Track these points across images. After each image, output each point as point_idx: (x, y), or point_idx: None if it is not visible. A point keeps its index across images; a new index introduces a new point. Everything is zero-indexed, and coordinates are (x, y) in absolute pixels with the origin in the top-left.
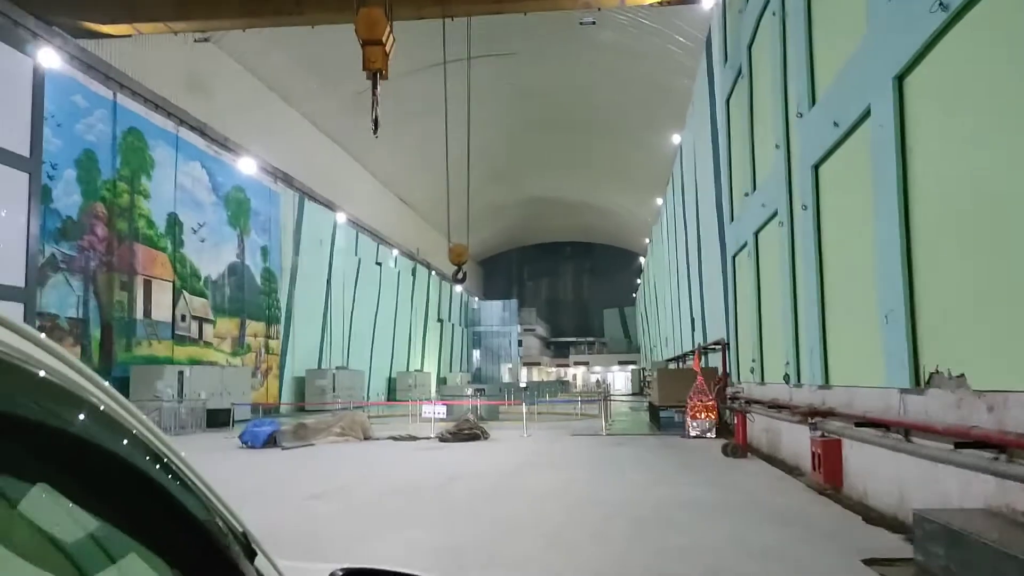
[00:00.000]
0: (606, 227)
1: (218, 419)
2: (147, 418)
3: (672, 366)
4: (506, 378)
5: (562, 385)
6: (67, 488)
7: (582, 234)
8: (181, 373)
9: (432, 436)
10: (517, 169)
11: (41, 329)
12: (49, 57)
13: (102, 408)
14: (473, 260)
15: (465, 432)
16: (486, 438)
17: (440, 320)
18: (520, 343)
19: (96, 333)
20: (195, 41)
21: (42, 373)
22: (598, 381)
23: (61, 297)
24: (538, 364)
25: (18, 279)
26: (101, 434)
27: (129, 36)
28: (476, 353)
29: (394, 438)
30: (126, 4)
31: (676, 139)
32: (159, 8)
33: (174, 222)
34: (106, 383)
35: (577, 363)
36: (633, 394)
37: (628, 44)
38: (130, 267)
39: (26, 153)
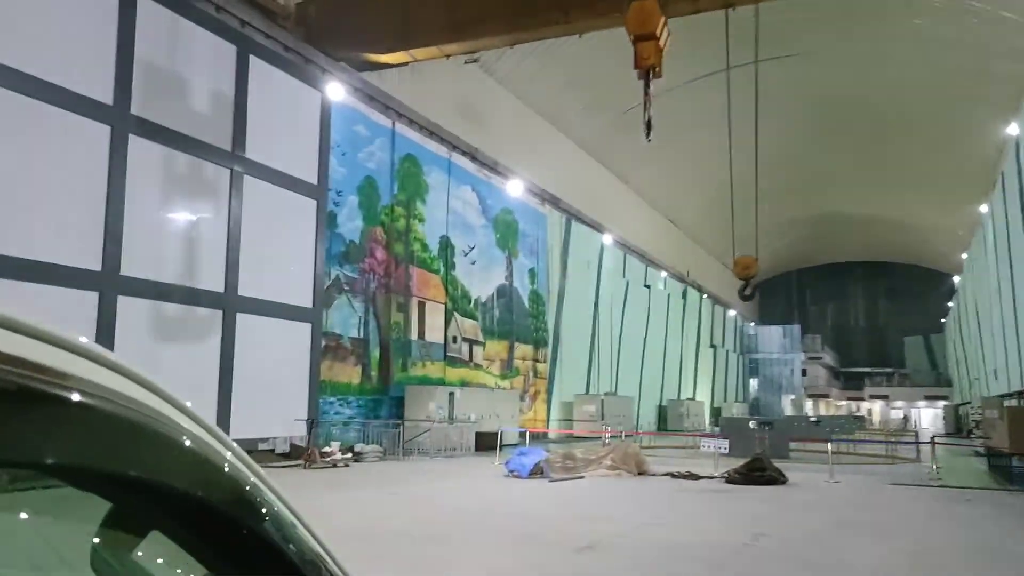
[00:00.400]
0: (906, 244)
1: (486, 442)
2: (265, 475)
3: (1012, 403)
4: (788, 410)
5: (857, 421)
6: (180, 537)
7: (875, 253)
8: (452, 394)
9: (715, 475)
10: (802, 183)
11: (327, 349)
12: (335, 90)
13: (225, 467)
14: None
15: (756, 473)
16: (783, 482)
17: (713, 346)
18: (804, 372)
19: (375, 353)
20: (465, 63)
21: (179, 437)
22: (905, 417)
23: (344, 318)
24: (826, 396)
25: (307, 300)
26: (220, 490)
27: (405, 64)
28: (753, 382)
29: (672, 475)
30: (402, 32)
31: (1012, 130)
32: (432, 33)
33: (446, 245)
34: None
35: (873, 396)
36: (949, 434)
37: (941, 31)
38: (406, 289)
39: (314, 181)
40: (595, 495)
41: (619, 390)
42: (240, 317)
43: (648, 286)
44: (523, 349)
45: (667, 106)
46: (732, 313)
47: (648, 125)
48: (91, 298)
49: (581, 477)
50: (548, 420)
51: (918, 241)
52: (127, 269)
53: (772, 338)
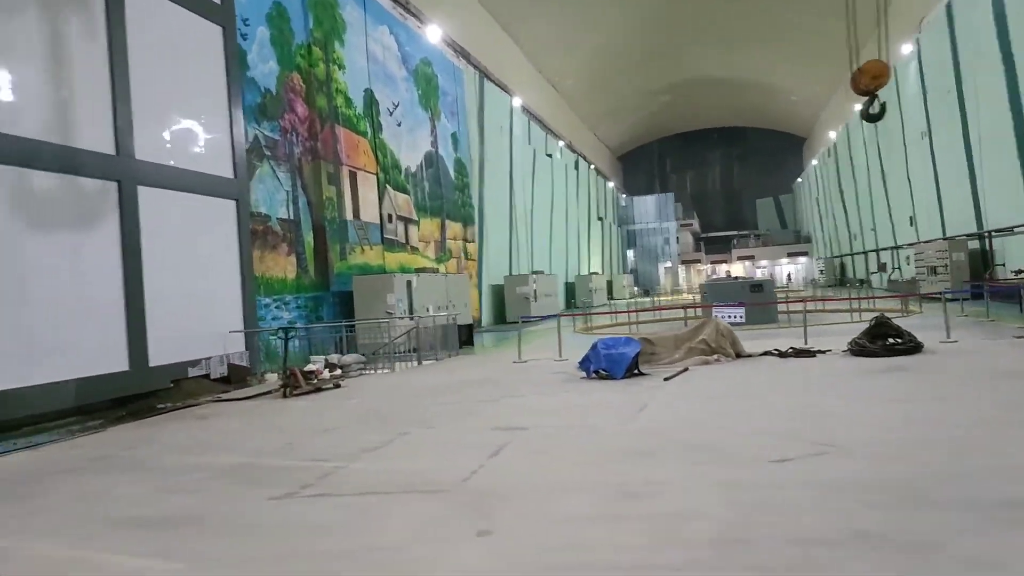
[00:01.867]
0: (762, 108)
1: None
2: None
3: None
4: (663, 279)
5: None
6: None
7: (731, 118)
8: (409, 283)
9: (830, 349)
10: (668, 47)
11: (254, 234)
12: None
13: None
14: (612, 155)
15: (890, 341)
16: (921, 348)
17: (600, 218)
18: (677, 240)
19: (309, 238)
20: None
21: None
22: (789, 275)
23: (269, 193)
24: (696, 262)
25: (226, 168)
26: None
27: None
28: (630, 253)
29: (778, 353)
30: None
31: None
32: None
33: (371, 100)
34: None
35: (741, 257)
36: (831, 285)
37: None
38: (335, 155)
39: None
40: (728, 391)
41: (534, 268)
42: (143, 192)
43: (550, 155)
44: (454, 228)
45: None
46: (611, 185)
47: None
48: None
49: (686, 370)
50: (480, 306)
51: (774, 105)
52: None
53: (647, 208)
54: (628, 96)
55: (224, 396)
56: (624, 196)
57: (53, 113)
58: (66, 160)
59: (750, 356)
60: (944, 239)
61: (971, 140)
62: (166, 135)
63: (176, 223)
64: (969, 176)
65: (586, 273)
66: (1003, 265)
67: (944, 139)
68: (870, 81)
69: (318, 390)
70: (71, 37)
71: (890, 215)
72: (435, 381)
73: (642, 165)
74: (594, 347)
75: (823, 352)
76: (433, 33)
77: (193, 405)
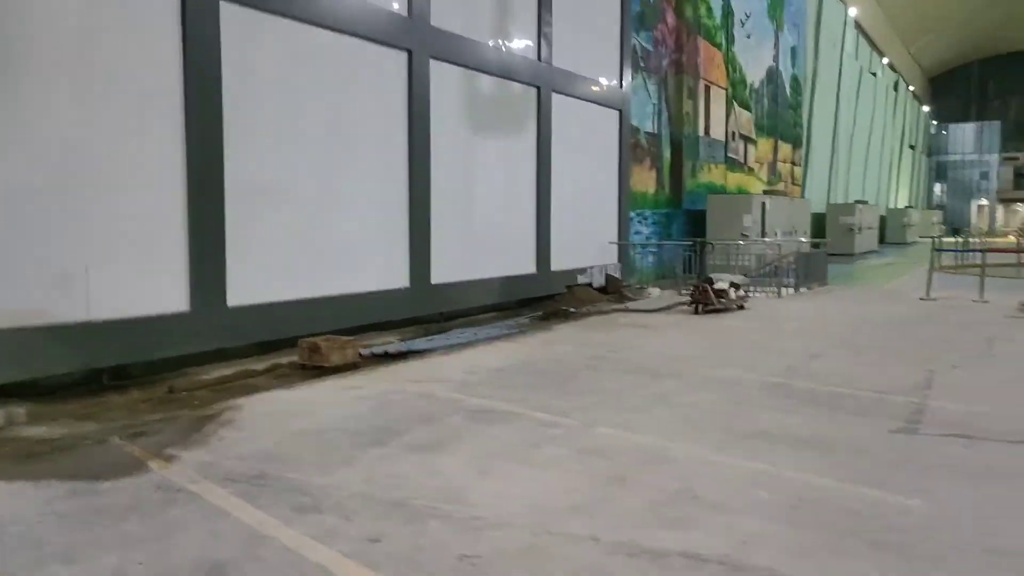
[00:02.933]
0: None
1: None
2: None
3: None
4: (974, 218)
5: None
6: None
7: None
8: (764, 205)
9: None
10: None
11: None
12: None
13: None
14: (924, 76)
15: None
16: None
17: (912, 147)
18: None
19: (667, 154)
20: None
21: None
22: None
23: (640, 105)
24: (1018, 201)
25: (612, 75)
26: None
27: None
28: (936, 187)
29: None
30: None
31: None
32: None
33: (728, 10)
34: None
35: None
36: None
37: None
38: (695, 68)
39: None
40: None
41: (852, 197)
42: (555, 100)
43: (874, 73)
44: (784, 149)
45: None
46: (926, 110)
47: None
48: (401, 59)
49: None
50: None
51: None
52: (437, 19)
53: (966, 138)
54: (954, 7)
55: (632, 307)
56: (935, 123)
57: (495, 14)
58: (503, 66)
59: None
60: None
61: None
62: (572, 41)
63: (575, 132)
64: None
65: (895, 206)
66: None
67: None
68: None
69: (725, 310)
70: None
71: None
72: (851, 312)
73: (958, 88)
74: None
75: None
76: None
77: (601, 312)
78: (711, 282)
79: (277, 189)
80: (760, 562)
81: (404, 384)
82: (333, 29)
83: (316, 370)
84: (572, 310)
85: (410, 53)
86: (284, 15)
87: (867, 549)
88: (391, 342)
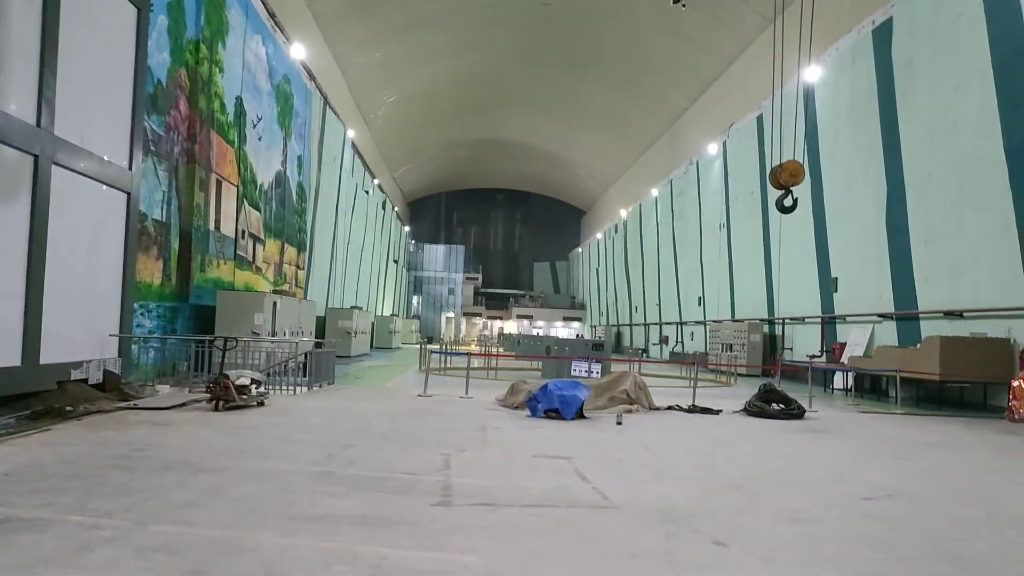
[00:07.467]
0: (552, 178)
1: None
2: None
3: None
4: (444, 328)
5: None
6: None
7: (521, 182)
8: (275, 305)
9: (722, 409)
10: (476, 106)
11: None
12: None
13: None
14: (404, 200)
15: (778, 406)
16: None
17: (395, 261)
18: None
19: (176, 245)
20: None
21: None
22: (578, 336)
23: (149, 190)
24: (477, 315)
25: (122, 156)
26: None
27: None
28: (415, 299)
29: (681, 408)
30: None
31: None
32: None
33: (240, 110)
34: None
35: (520, 316)
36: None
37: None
38: (207, 161)
39: None
40: (690, 435)
41: (346, 303)
42: (57, 173)
43: (367, 191)
44: (290, 252)
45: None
46: (407, 229)
47: None
48: None
49: (619, 417)
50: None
51: (563, 176)
52: None
53: (437, 256)
54: (428, 145)
55: (142, 404)
56: (413, 242)
57: None
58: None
59: (658, 409)
60: (733, 320)
61: (771, 237)
62: (80, 114)
63: (79, 210)
64: (765, 268)
65: (382, 314)
66: (791, 349)
67: (743, 232)
68: (788, 178)
69: (245, 406)
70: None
71: (678, 293)
72: (365, 408)
73: (429, 214)
74: (544, 388)
75: (714, 412)
76: (297, 51)
77: (103, 411)
78: (229, 378)
79: None
80: None
81: None
82: None
83: None
84: (69, 408)
85: None
86: None
87: None
88: None
